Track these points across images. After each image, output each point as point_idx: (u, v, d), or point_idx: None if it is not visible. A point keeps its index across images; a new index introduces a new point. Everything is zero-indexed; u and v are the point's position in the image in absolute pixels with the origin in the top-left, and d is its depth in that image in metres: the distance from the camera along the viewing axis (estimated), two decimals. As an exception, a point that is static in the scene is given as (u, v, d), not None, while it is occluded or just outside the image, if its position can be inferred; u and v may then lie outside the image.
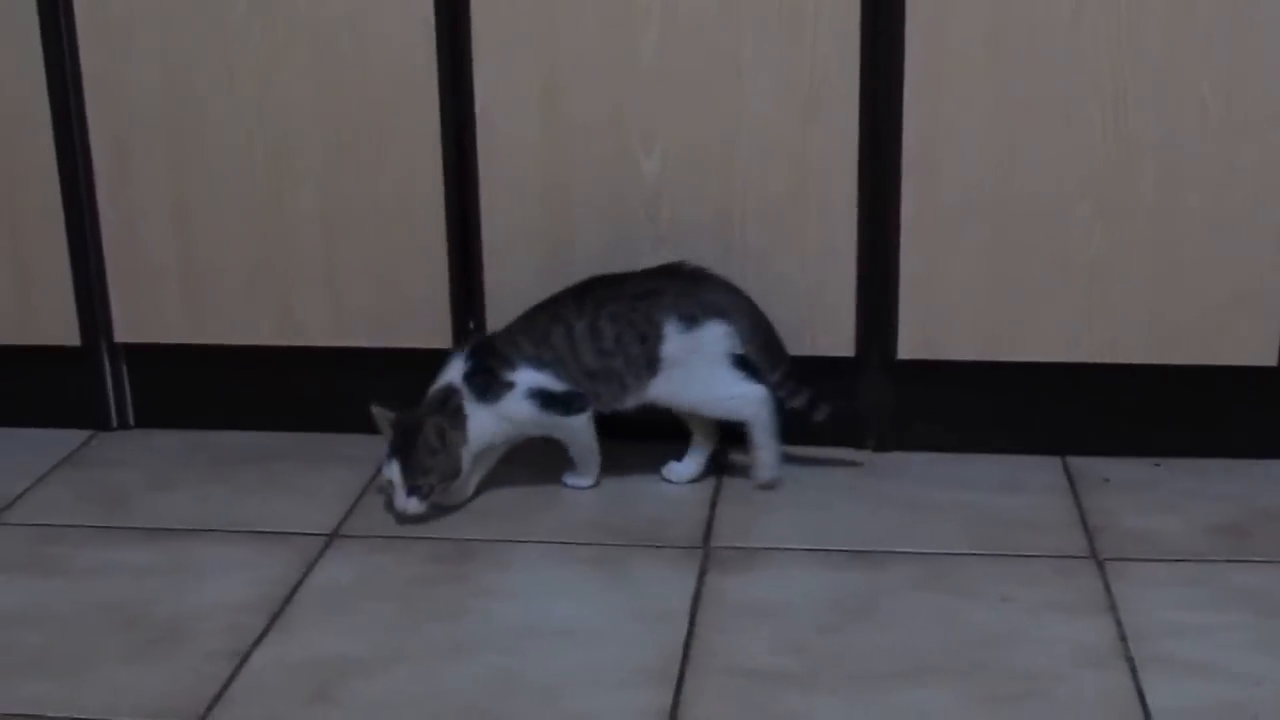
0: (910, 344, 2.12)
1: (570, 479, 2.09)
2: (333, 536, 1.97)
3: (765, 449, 2.06)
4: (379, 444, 2.00)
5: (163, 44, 2.13)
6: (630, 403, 2.04)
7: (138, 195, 2.19)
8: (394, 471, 1.94)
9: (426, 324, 2.18)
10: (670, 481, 2.11)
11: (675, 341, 2.00)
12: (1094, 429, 2.17)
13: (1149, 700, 1.57)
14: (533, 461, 2.12)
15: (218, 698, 1.61)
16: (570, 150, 2.10)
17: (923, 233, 2.08)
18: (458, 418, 1.97)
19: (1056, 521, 1.98)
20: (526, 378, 1.99)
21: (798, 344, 2.12)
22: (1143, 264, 2.07)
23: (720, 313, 2.02)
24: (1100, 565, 1.86)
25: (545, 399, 1.99)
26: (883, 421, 2.20)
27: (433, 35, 2.09)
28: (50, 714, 1.59)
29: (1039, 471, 2.13)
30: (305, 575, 1.87)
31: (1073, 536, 1.94)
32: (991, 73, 2.02)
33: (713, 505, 2.04)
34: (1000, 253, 2.08)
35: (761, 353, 2.04)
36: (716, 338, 2.02)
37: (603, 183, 2.11)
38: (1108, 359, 2.11)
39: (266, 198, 2.17)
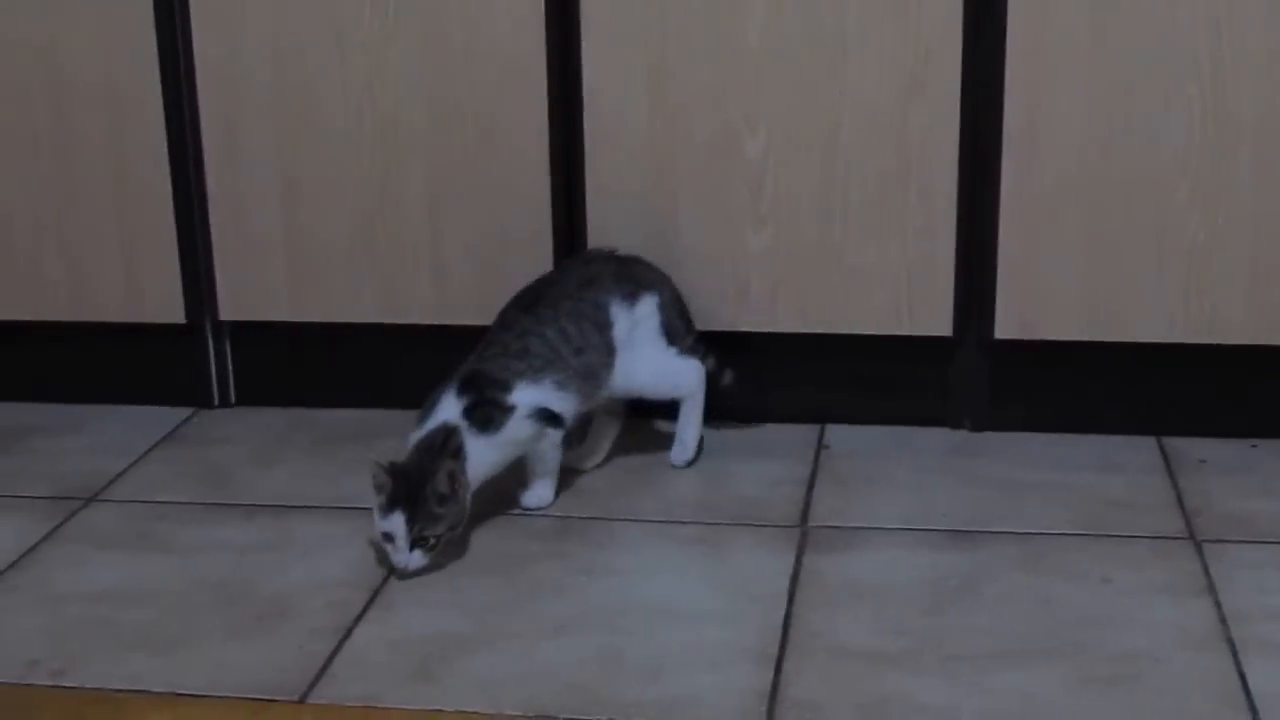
0: (1007, 324, 2.07)
1: (530, 499, 1.95)
2: (436, 513, 1.94)
3: (693, 427, 2.04)
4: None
5: (274, 26, 2.11)
6: (596, 402, 1.99)
7: (245, 175, 2.18)
8: (396, 524, 1.74)
9: (526, 302, 2.15)
10: (579, 470, 2.04)
11: (622, 322, 1.97)
12: (1190, 409, 2.11)
13: (1250, 683, 1.52)
14: (630, 444, 2.09)
15: (321, 674, 1.60)
16: (675, 131, 2.06)
17: (1021, 213, 2.02)
18: (460, 458, 1.82)
19: (1153, 502, 1.93)
20: (527, 397, 1.88)
21: (895, 323, 2.08)
22: (1241, 244, 2.00)
23: (648, 285, 2.00)
24: (1198, 547, 1.81)
25: (544, 415, 1.89)
26: (978, 402, 2.14)
27: (542, 17, 2.06)
28: (155, 689, 1.58)
29: (1135, 452, 2.07)
30: (408, 551, 1.85)
31: (1170, 518, 1.88)
32: (1091, 54, 1.96)
33: (809, 486, 1.99)
34: (1098, 233, 2.02)
35: (680, 319, 2.03)
36: (650, 311, 1.99)
37: (707, 163, 2.07)
38: (1205, 339, 2.05)
39: (372, 177, 2.14)
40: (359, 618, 1.70)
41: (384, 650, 1.64)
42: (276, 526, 1.91)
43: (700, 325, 2.11)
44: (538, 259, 2.13)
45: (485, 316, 2.16)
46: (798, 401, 2.17)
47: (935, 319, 2.08)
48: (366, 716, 1.52)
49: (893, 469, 2.03)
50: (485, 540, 1.87)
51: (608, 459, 2.07)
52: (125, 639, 1.66)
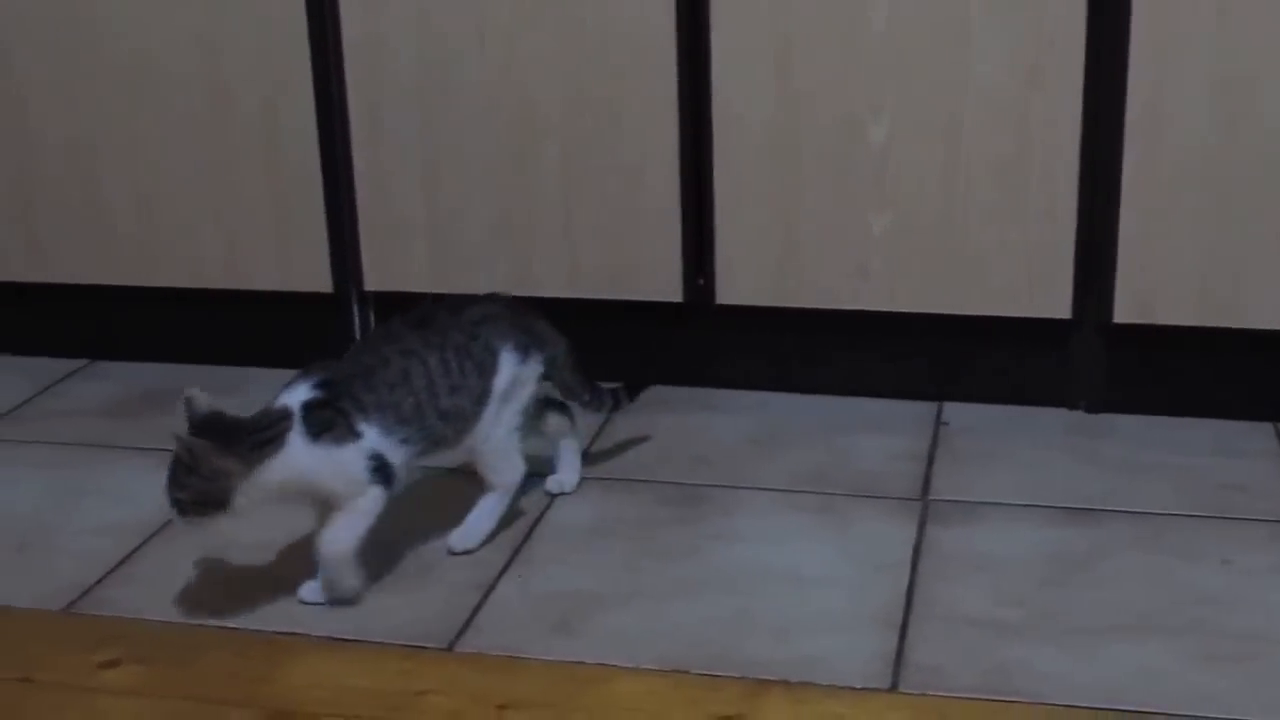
0: (1126, 308, 2.05)
1: (308, 592, 1.67)
2: (567, 478, 1.97)
3: (492, 520, 1.80)
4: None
5: (417, 13, 2.14)
6: (462, 448, 1.74)
7: (389, 154, 2.21)
8: (165, 476, 1.60)
9: (658, 280, 2.16)
10: (559, 494, 1.90)
11: (506, 372, 1.74)
12: (1307, 397, 2.08)
13: (1372, 670, 1.50)
14: (751, 418, 2.10)
15: (466, 625, 1.62)
16: (800, 116, 2.06)
17: (1143, 197, 2.00)
18: (263, 449, 1.58)
19: (1271, 487, 1.90)
20: (373, 438, 1.63)
21: (1014, 305, 2.07)
22: (1366, 232, 1.97)
23: (541, 344, 1.79)
24: (1317, 532, 1.79)
25: (379, 464, 1.63)
26: (1096, 383, 2.12)
27: (672, 5, 2.06)
28: (315, 633, 1.62)
29: (1251, 437, 2.04)
30: (543, 513, 1.87)
31: (1288, 502, 1.86)
32: (1215, 39, 1.93)
33: (929, 460, 1.99)
34: (1221, 219, 1.99)
35: (577, 373, 1.86)
36: (535, 374, 1.78)
37: (831, 148, 2.06)
38: (1324, 328, 2.01)
39: (509, 156, 2.17)
40: (500, 574, 1.73)
41: (524, 605, 1.66)
42: (416, 488, 1.89)
43: (821, 304, 2.12)
44: (665, 237, 2.14)
45: (615, 290, 2.19)
46: (916, 379, 2.17)
47: (1054, 302, 2.06)
48: (510, 665, 1.55)
49: (1010, 447, 2.02)
50: (617, 506, 1.89)
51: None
52: (284, 586, 1.70)
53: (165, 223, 2.32)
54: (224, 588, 1.71)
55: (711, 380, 2.23)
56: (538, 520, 1.85)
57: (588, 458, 2.00)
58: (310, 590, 1.67)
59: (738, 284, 2.14)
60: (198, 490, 1.56)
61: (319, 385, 1.64)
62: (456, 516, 1.80)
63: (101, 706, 1.51)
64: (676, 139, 2.11)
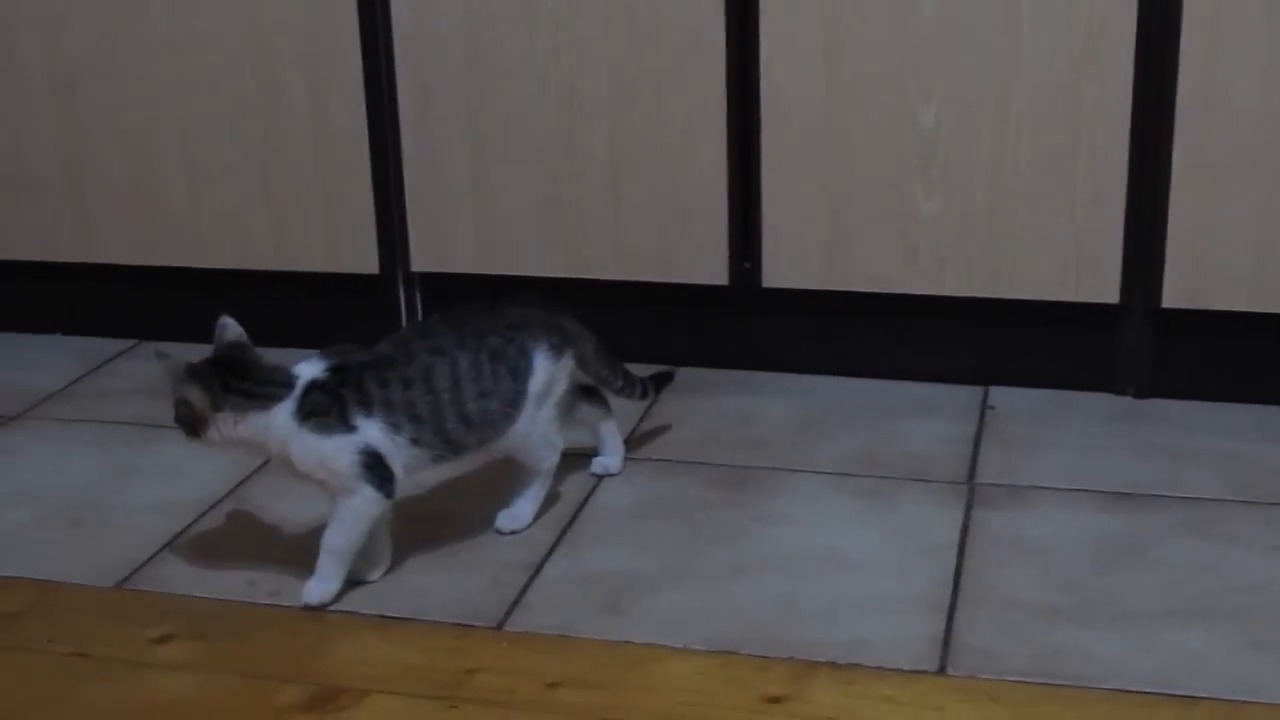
0: (1175, 293, 2.03)
1: (311, 590, 1.63)
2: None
3: (536, 501, 1.79)
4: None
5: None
6: (483, 456, 1.71)
7: (438, 136, 2.21)
8: None
9: (706, 262, 2.15)
10: (603, 475, 1.89)
11: (541, 374, 1.71)
12: (1357, 383, 2.06)
13: None
14: (799, 401, 2.09)
15: (515, 604, 1.63)
16: (850, 101, 2.05)
17: (1193, 183, 1.98)
18: (243, 399, 1.58)
19: (1321, 473, 1.89)
20: (372, 434, 1.59)
21: (1062, 290, 2.06)
22: None
23: (572, 342, 1.76)
24: (1369, 519, 1.77)
25: (372, 462, 1.59)
26: (1143, 369, 2.11)
27: (722, -10, 2.06)
28: (363, 611, 1.62)
29: (1300, 422, 2.03)
30: (590, 494, 1.87)
31: (1337, 488, 1.84)
32: (1268, 24, 1.91)
33: (976, 443, 1.98)
34: (1273, 203, 1.97)
35: (607, 365, 1.83)
36: (567, 371, 1.76)
37: (880, 132, 2.05)
38: (1375, 314, 1.99)
39: (558, 138, 2.16)
40: (549, 554, 1.73)
41: (573, 585, 1.66)
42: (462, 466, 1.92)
43: (868, 288, 2.11)
44: (713, 220, 2.13)
45: (662, 273, 2.18)
46: (962, 363, 2.16)
47: (1103, 286, 2.05)
48: (560, 645, 1.55)
49: (1057, 431, 2.01)
50: (664, 487, 1.88)
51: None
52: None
53: (214, 204, 2.32)
54: (276, 565, 1.71)
55: (757, 363, 2.22)
56: (585, 501, 1.85)
57: (634, 440, 2.00)
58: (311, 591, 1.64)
59: (784, 267, 2.13)
60: (174, 407, 1.60)
61: (330, 369, 1.61)
62: (503, 494, 1.81)
63: (155, 681, 1.52)
64: (725, 123, 2.10)
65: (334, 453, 1.58)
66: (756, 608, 1.60)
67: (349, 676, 1.51)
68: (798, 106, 2.07)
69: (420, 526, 1.76)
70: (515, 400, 1.69)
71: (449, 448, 1.65)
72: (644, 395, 1.93)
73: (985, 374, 2.15)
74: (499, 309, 1.72)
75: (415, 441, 1.62)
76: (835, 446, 1.98)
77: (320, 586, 1.62)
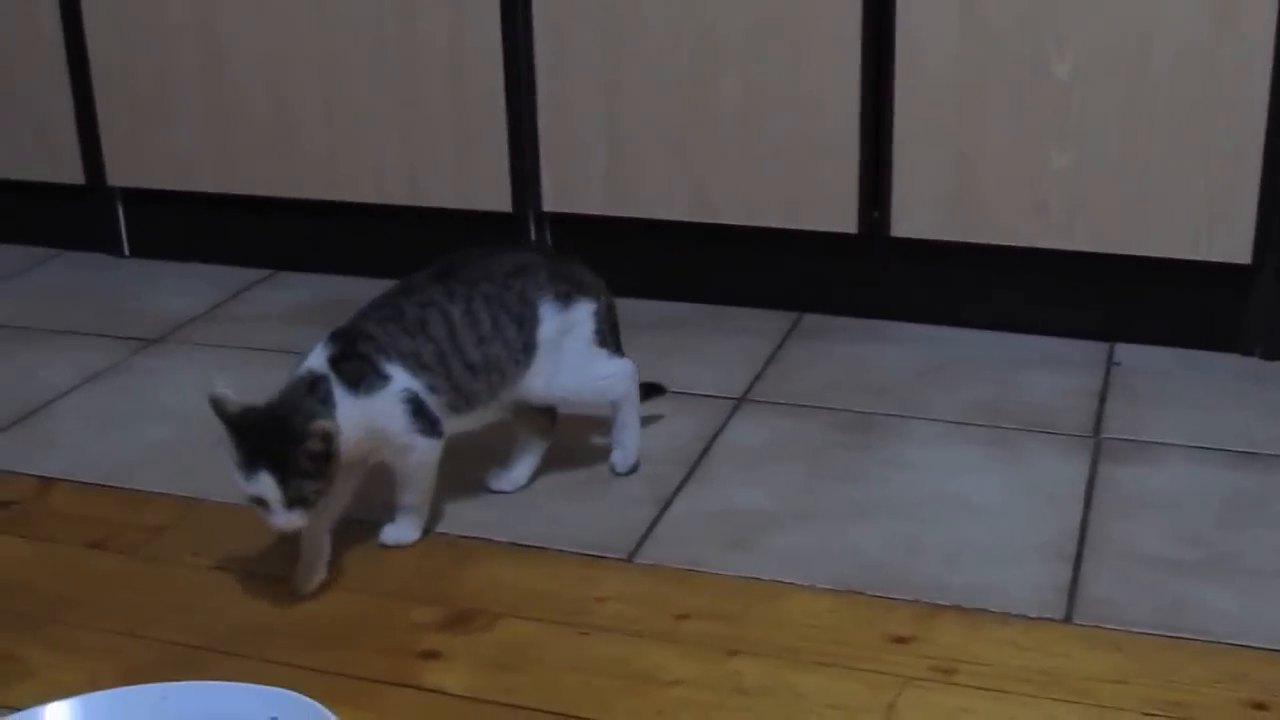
0: (1310, 255, 2.00)
1: (390, 532, 1.64)
2: (741, 400, 1.97)
3: (632, 429, 1.77)
4: (781, 320, 1.96)
5: (607, -64, 2.14)
6: (499, 402, 1.65)
7: (572, 80, 2.22)
8: (265, 488, 1.45)
9: (835, 209, 2.15)
10: (500, 491, 1.75)
11: (551, 322, 1.66)
12: None
13: None
14: (924, 350, 2.08)
15: (645, 537, 1.64)
16: (985, 51, 2.03)
17: (1333, 145, 1.95)
18: (328, 405, 1.50)
19: None
20: (402, 377, 1.56)
21: (1193, 248, 2.03)
22: None
23: (585, 290, 1.70)
24: None
25: (416, 407, 1.56)
26: (1272, 330, 2.07)
27: (860, -64, 2.04)
28: (496, 539, 1.65)
29: None
30: (718, 433, 1.88)
31: None
32: None
33: (1101, 398, 1.96)
34: None
35: (610, 329, 1.74)
36: (586, 316, 1.69)
37: (1013, 84, 2.03)
38: None
39: (690, 84, 2.16)
40: (677, 490, 1.74)
41: (701, 521, 1.68)
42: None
43: (997, 240, 2.10)
44: (842, 169, 2.13)
45: (790, 220, 2.18)
46: (1089, 318, 2.14)
47: (1234, 246, 2.02)
48: (688, 577, 1.56)
49: (1183, 389, 1.98)
50: (789, 430, 1.89)
51: (532, 480, 1.77)
52: (468, 491, 1.73)
53: (351, 139, 2.35)
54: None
55: (883, 312, 2.22)
56: (713, 439, 1.86)
57: (759, 383, 2.00)
58: (391, 531, 1.64)
59: (913, 217, 2.12)
60: (331, 472, 1.47)
61: (332, 339, 1.55)
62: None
63: (291, 597, 1.55)
64: (859, 69, 2.09)
65: (390, 402, 1.55)
66: (881, 549, 1.61)
67: (482, 599, 1.53)
68: (932, 55, 2.05)
69: (549, 459, 1.78)
70: (526, 349, 1.64)
71: (461, 398, 1.60)
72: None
73: (1112, 330, 2.13)
74: (489, 257, 1.66)
75: (432, 389, 1.57)
76: (959, 396, 1.97)
77: (398, 532, 1.63)
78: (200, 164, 2.45)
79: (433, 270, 1.64)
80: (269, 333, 2.23)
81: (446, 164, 2.31)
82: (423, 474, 1.60)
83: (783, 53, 2.11)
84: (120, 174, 2.52)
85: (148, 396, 2.04)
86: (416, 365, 1.56)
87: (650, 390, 1.85)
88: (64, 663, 1.45)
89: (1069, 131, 2.03)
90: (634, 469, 1.77)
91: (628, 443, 1.77)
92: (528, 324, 1.64)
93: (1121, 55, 1.99)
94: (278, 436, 1.45)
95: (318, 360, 1.53)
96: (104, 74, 2.46)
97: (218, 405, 1.47)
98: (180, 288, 2.43)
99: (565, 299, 1.67)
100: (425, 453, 1.58)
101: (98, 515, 1.73)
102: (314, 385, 1.51)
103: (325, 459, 1.45)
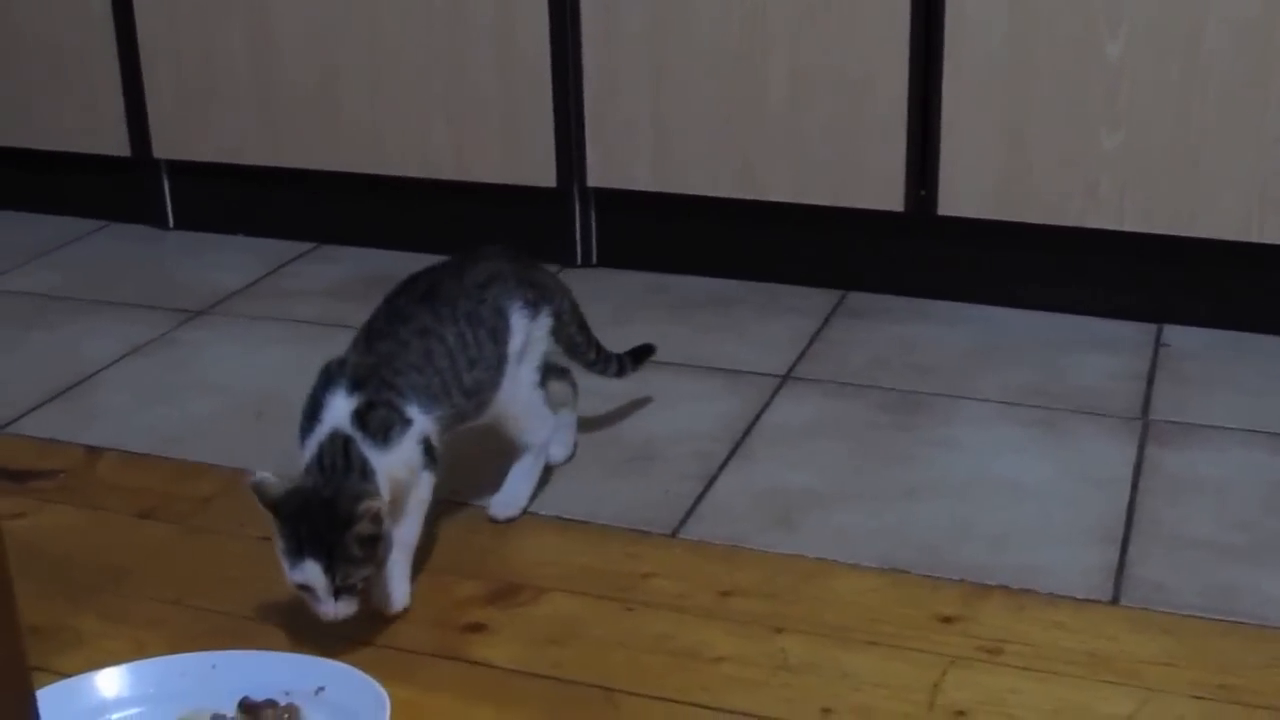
0: (1362, 238, 1.98)
1: (391, 602, 1.47)
2: (785, 378, 1.97)
3: (530, 481, 1.66)
4: (827, 298, 1.95)
5: (654, -88, 2.14)
6: (468, 426, 1.58)
7: (620, 56, 2.21)
8: (312, 576, 1.36)
9: (882, 188, 2.14)
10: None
11: (519, 335, 1.58)
12: None
13: None
14: (970, 330, 2.07)
15: (689, 513, 1.64)
16: (1035, 32, 2.01)
17: (1389, 127, 1.92)
18: (369, 476, 1.41)
19: None
20: (420, 419, 1.47)
21: (1243, 230, 2.01)
22: None
23: (548, 296, 1.63)
24: None
25: (428, 445, 1.48)
26: (1322, 314, 2.06)
27: (909, -88, 2.03)
28: (541, 513, 1.65)
29: None
30: (762, 411, 1.88)
31: None
32: None
33: (1149, 381, 1.95)
34: None
35: (582, 331, 1.70)
36: (545, 329, 1.62)
37: (1064, 64, 2.02)
38: None
39: (738, 61, 2.15)
40: (722, 467, 1.74)
41: (745, 498, 1.67)
42: (640, 379, 1.89)
43: (1046, 220, 2.08)
44: (891, 148, 2.11)
45: (837, 197, 2.17)
46: (1138, 299, 2.12)
47: (1285, 228, 2.00)
48: (733, 554, 1.56)
49: (1232, 372, 1.97)
50: (834, 409, 1.88)
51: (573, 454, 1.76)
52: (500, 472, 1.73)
53: (397, 114, 2.35)
54: (455, 464, 1.73)
55: (929, 291, 2.20)
56: (756, 418, 1.86)
57: (804, 361, 2.00)
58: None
59: (961, 196, 2.11)
60: (381, 554, 1.40)
61: (353, 388, 1.45)
62: (676, 405, 1.82)
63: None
64: (908, 48, 2.07)
65: (408, 454, 1.46)
66: (927, 529, 1.60)
67: (528, 574, 1.54)
68: (981, 33, 2.04)
69: (595, 437, 1.78)
70: (499, 364, 1.57)
71: (458, 420, 1.55)
72: (620, 372, 1.77)
73: (1160, 312, 2.11)
74: (462, 269, 1.59)
75: (439, 420, 1.50)
76: (1006, 377, 1.96)
77: (398, 592, 1.47)
78: (246, 137, 2.46)
79: (415, 292, 1.57)
80: (313, 306, 2.24)
81: (492, 139, 2.31)
82: (422, 510, 1.50)
83: (831, 31, 2.10)
84: (166, 147, 2.52)
85: (192, 369, 2.05)
86: (429, 399, 1.49)
87: (642, 353, 1.80)
88: (113, 631, 1.46)
89: (1119, 111, 2.01)
90: (513, 520, 1.64)
91: (522, 492, 1.65)
92: (500, 336, 1.57)
93: (1173, 35, 1.97)
94: (325, 522, 1.36)
95: (339, 416, 1.43)
96: (151, 47, 2.47)
97: (259, 491, 1.39)
98: (224, 261, 2.44)
99: (533, 307, 1.60)
100: (426, 487, 1.50)
101: (145, 485, 1.74)
102: (348, 454, 1.41)
103: (374, 542, 1.37)
